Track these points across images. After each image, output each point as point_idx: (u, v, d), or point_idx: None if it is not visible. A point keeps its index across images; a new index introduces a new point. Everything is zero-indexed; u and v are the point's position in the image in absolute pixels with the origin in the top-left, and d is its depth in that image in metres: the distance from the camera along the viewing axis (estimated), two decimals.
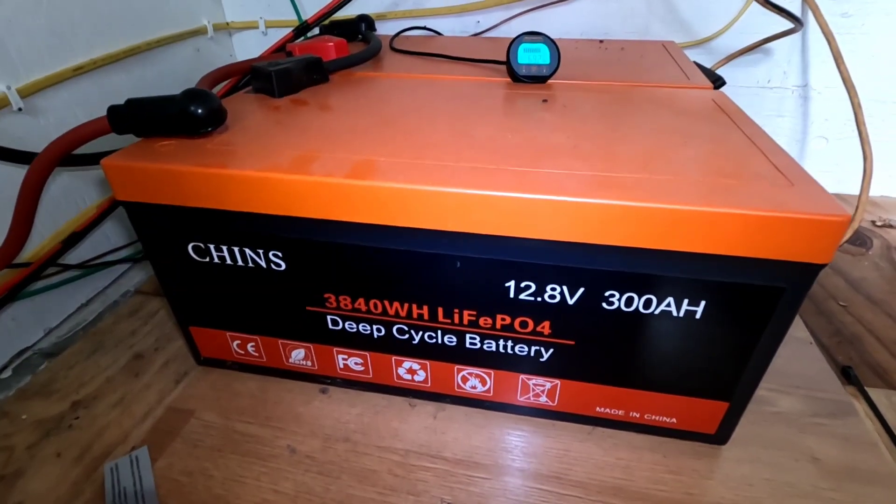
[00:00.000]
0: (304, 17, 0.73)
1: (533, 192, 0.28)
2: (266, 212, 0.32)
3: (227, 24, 0.77)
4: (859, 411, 0.40)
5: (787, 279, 0.28)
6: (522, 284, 0.31)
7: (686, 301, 0.30)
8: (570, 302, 0.31)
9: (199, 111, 0.35)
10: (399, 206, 0.30)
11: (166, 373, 0.45)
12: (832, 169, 0.72)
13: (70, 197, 0.52)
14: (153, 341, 0.49)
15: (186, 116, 0.35)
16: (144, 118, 0.35)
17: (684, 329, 0.31)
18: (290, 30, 0.66)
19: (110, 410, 0.42)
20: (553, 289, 0.31)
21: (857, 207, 0.53)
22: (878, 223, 0.66)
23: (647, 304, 0.30)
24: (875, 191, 0.72)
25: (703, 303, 0.30)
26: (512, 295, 0.32)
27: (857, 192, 0.73)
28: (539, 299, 0.32)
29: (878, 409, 0.40)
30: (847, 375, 0.43)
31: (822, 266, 0.27)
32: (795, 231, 0.26)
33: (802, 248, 0.26)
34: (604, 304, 0.31)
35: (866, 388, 0.42)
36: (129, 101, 0.35)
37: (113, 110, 0.35)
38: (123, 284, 0.58)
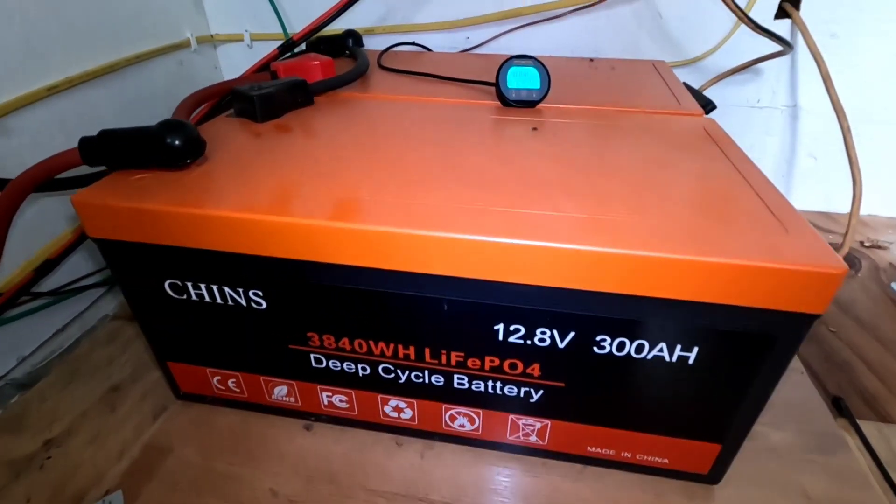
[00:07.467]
0: (290, 30, 0.72)
1: (521, 237, 0.27)
2: (246, 252, 0.31)
3: (212, 36, 0.75)
4: (851, 446, 0.40)
5: (782, 329, 0.27)
6: (511, 328, 0.31)
7: (679, 347, 0.29)
8: (561, 345, 0.31)
9: (176, 143, 0.33)
10: (383, 249, 0.29)
11: (144, 406, 0.43)
12: (821, 187, 0.72)
13: (44, 222, 0.50)
14: (131, 371, 0.47)
15: (163, 149, 0.33)
16: (118, 150, 0.34)
17: (677, 374, 0.30)
18: (276, 44, 0.64)
19: (84, 448, 0.40)
20: (543, 332, 0.30)
21: (846, 232, 0.53)
22: (867, 244, 0.66)
23: (640, 349, 0.30)
24: (863, 209, 0.73)
25: (696, 349, 0.29)
26: (501, 338, 0.31)
27: (845, 209, 0.73)
28: (528, 342, 0.31)
29: (869, 443, 0.40)
30: (838, 407, 0.43)
31: (817, 316, 0.26)
32: (791, 282, 0.25)
33: (797, 299, 0.26)
34: (595, 349, 0.30)
35: (858, 421, 0.42)
36: (103, 133, 0.34)
37: (85, 142, 0.34)
38: (101, 308, 0.57)
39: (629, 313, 0.28)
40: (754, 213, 0.29)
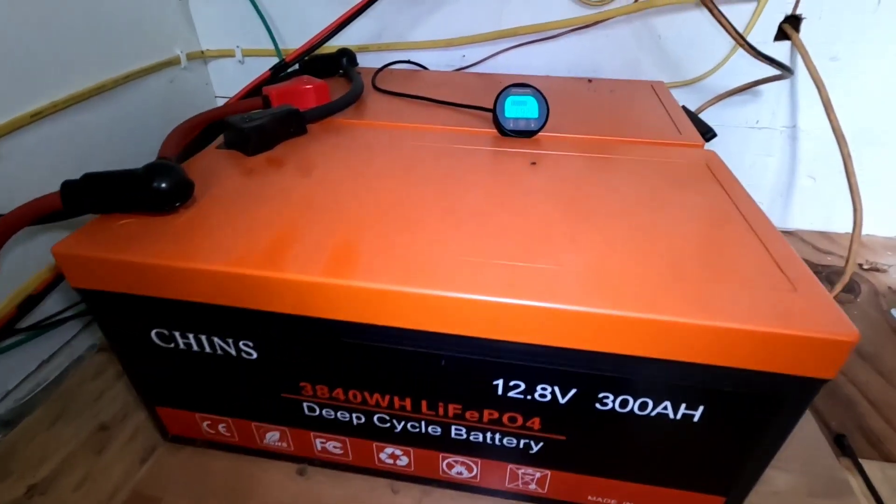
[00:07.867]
0: (282, 45, 0.71)
1: (522, 297, 0.26)
2: (236, 305, 0.30)
3: (202, 52, 0.73)
4: (855, 489, 0.39)
5: (789, 391, 0.26)
6: (511, 383, 0.30)
7: (683, 405, 0.28)
8: (562, 401, 0.30)
9: (163, 187, 0.32)
10: (379, 306, 0.28)
11: (132, 448, 0.42)
12: (820, 207, 0.72)
13: (27, 257, 0.47)
14: (119, 408, 0.46)
15: (149, 193, 0.32)
16: (102, 194, 0.32)
17: (681, 430, 0.29)
18: (268, 60, 0.63)
19: (70, 495, 0.39)
20: (544, 388, 0.29)
21: (847, 261, 0.53)
22: (865, 266, 0.66)
23: (643, 406, 0.29)
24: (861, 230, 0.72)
25: (701, 407, 0.28)
26: (500, 392, 0.30)
27: (844, 229, 0.73)
28: (529, 397, 0.30)
29: (872, 484, 0.39)
30: (841, 445, 0.43)
31: (826, 381, 0.25)
32: (800, 348, 0.24)
33: (807, 364, 0.25)
34: (597, 405, 0.29)
35: (861, 461, 0.41)
36: (87, 177, 0.32)
37: (68, 186, 0.32)
38: (88, 337, 0.55)
39: (632, 373, 0.27)
40: (761, 267, 0.28)
